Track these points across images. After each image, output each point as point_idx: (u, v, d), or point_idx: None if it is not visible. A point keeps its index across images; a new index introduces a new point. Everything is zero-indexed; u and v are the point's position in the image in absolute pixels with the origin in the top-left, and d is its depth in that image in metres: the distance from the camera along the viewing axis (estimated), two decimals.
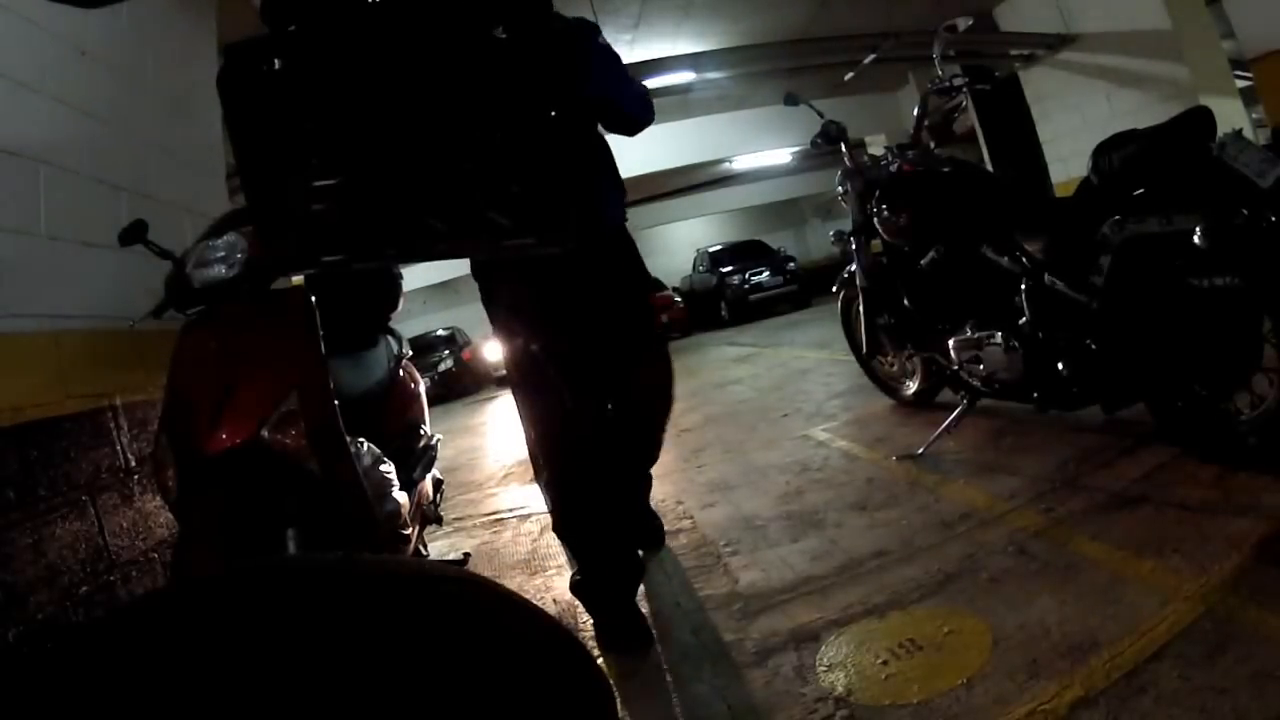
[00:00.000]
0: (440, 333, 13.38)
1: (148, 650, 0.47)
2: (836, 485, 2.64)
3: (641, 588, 2.14)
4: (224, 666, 0.46)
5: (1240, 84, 6.00)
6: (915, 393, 3.36)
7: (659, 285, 14.30)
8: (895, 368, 3.48)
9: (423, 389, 2.81)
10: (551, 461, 1.95)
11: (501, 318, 1.93)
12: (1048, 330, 2.30)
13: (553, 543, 2.82)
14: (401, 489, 2.03)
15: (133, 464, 2.19)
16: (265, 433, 1.52)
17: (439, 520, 2.72)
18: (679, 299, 13.47)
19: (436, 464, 2.68)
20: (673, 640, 1.80)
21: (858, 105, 8.96)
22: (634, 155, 9.19)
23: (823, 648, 1.59)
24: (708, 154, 10.37)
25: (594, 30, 1.88)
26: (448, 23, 0.59)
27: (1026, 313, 2.35)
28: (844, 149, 3.32)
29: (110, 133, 2.36)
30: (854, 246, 3.29)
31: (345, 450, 1.70)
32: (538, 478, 2.47)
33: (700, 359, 8.33)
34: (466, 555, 2.78)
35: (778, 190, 16.16)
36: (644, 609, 2.01)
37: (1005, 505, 2.11)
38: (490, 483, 4.26)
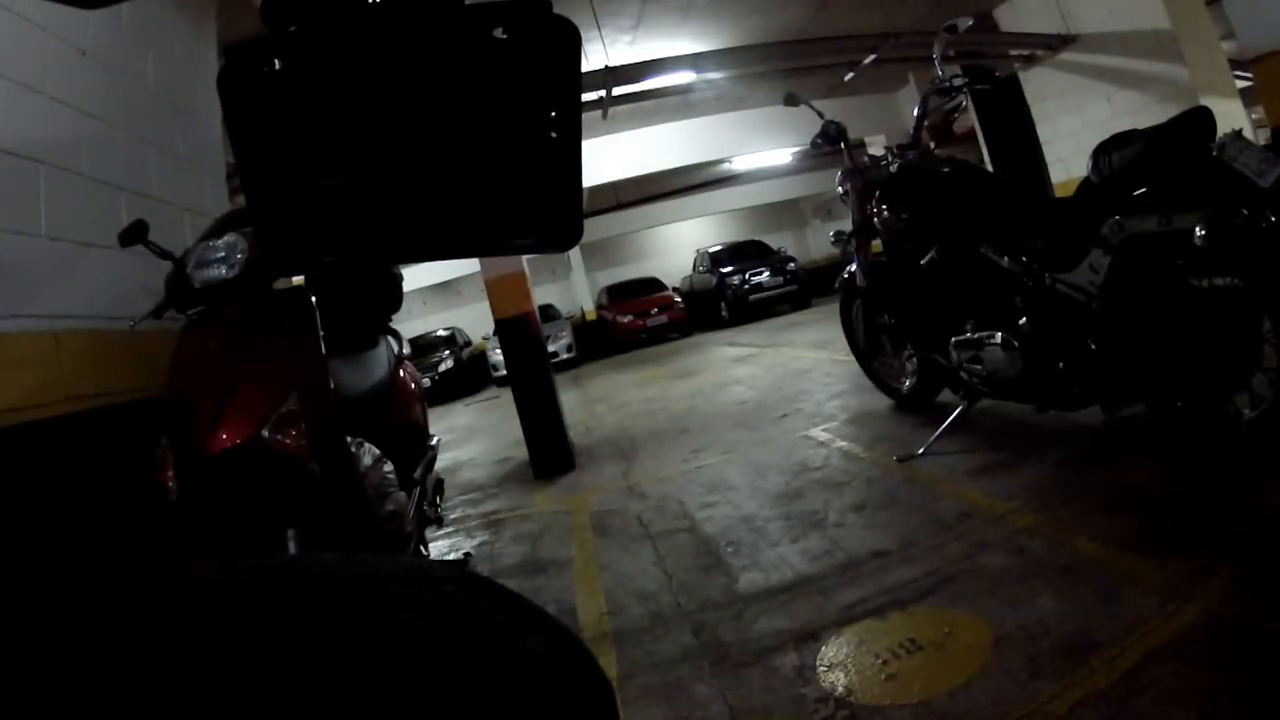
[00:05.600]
0: (440, 333, 13.43)
1: (147, 652, 0.47)
2: (836, 485, 2.64)
3: (642, 588, 2.14)
4: (224, 668, 0.46)
5: (1240, 84, 5.99)
6: (915, 393, 3.36)
7: (658, 285, 14.34)
8: (895, 368, 3.48)
9: (423, 389, 2.81)
10: None
11: None
12: (1047, 330, 2.30)
13: (552, 543, 2.83)
14: (402, 489, 2.03)
15: (133, 464, 2.18)
16: (265, 433, 1.52)
17: (439, 520, 2.72)
18: (679, 299, 13.48)
19: (437, 464, 2.68)
20: (673, 640, 1.80)
21: (858, 105, 8.95)
22: (634, 155, 9.21)
23: (823, 648, 1.59)
24: (708, 154, 10.34)
25: None
26: (448, 23, 0.59)
27: (1026, 313, 2.35)
28: (844, 149, 3.32)
29: (110, 133, 2.36)
30: (854, 246, 3.29)
31: (345, 450, 1.70)
32: None
33: (700, 359, 8.33)
34: (467, 555, 2.79)
35: (778, 190, 16.16)
36: (644, 609, 2.01)
37: (1005, 505, 2.11)
38: (491, 483, 4.27)
